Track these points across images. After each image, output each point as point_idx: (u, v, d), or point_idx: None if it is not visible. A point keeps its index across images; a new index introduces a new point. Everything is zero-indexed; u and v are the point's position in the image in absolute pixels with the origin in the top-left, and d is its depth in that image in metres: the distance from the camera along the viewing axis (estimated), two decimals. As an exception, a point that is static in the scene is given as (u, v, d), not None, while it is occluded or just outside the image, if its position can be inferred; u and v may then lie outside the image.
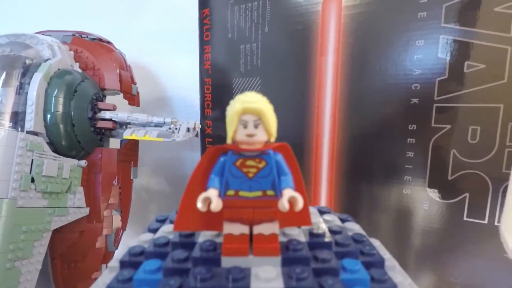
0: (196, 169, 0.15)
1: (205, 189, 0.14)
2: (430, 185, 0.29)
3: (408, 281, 0.13)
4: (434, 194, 0.29)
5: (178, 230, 0.15)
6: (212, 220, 0.14)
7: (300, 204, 0.13)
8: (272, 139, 0.14)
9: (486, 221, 0.27)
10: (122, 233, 0.42)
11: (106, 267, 0.40)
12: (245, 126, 0.13)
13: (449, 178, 0.28)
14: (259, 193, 0.14)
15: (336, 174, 0.34)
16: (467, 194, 0.27)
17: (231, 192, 0.14)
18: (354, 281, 0.12)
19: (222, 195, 0.14)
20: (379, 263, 0.13)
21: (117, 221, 0.41)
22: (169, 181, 0.58)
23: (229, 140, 0.14)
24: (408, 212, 0.30)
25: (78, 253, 0.37)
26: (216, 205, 0.13)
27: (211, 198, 0.13)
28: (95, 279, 0.41)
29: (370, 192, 0.32)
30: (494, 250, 0.26)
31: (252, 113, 0.13)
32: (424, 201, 0.29)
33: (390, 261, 0.14)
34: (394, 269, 0.13)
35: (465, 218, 0.28)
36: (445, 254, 0.29)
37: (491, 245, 0.27)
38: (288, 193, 0.13)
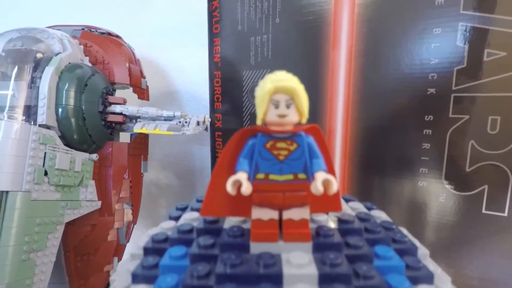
0: (224, 153, 0.14)
1: (233, 173, 0.13)
2: (447, 177, 0.28)
3: (439, 270, 0.12)
4: (451, 186, 0.28)
5: (205, 215, 0.14)
6: (240, 205, 0.14)
7: (334, 187, 0.13)
8: (304, 120, 0.13)
9: (506, 214, 0.26)
10: (133, 226, 0.43)
11: (118, 260, 0.41)
12: (277, 106, 0.13)
13: (467, 170, 0.27)
14: (290, 177, 0.13)
15: (349, 167, 0.33)
16: (485, 186, 0.27)
17: (261, 176, 0.13)
18: (388, 268, 0.12)
19: (251, 178, 0.13)
20: (412, 250, 0.13)
21: (128, 214, 0.41)
22: (179, 175, 0.58)
23: (258, 122, 0.13)
24: (424, 205, 0.30)
25: (90, 246, 0.37)
26: (247, 188, 0.13)
27: (241, 181, 0.13)
28: (108, 272, 0.42)
29: (384, 185, 0.32)
30: (514, 243, 0.26)
31: (284, 92, 0.13)
32: (440, 193, 0.29)
33: (422, 250, 0.13)
34: (426, 257, 0.13)
35: (483, 211, 0.27)
36: (462, 248, 0.28)
37: (511, 238, 0.26)
38: (322, 175, 0.13)
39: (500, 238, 0.26)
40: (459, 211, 0.28)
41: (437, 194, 0.29)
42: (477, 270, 0.28)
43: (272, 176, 0.13)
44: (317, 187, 0.13)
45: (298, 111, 0.13)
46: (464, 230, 0.28)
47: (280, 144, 0.13)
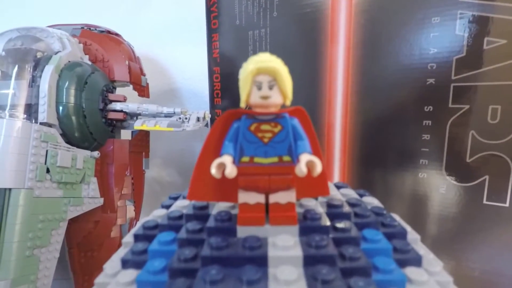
0: (209, 137, 0.14)
1: (219, 156, 0.13)
2: (447, 169, 0.28)
3: (432, 255, 0.12)
4: (451, 177, 0.28)
5: (192, 199, 0.15)
6: (227, 190, 0.14)
7: (318, 168, 0.13)
8: (288, 102, 0.13)
9: (507, 204, 0.26)
10: (136, 223, 0.43)
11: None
12: (259, 88, 0.13)
13: (468, 160, 0.27)
14: (275, 159, 0.13)
15: (349, 160, 0.33)
16: (486, 177, 0.26)
17: (246, 159, 0.13)
18: (375, 251, 0.12)
19: (236, 161, 0.13)
20: (401, 234, 0.13)
21: (130, 211, 0.41)
22: (180, 172, 0.59)
23: (242, 104, 0.13)
24: (424, 197, 0.30)
25: (94, 242, 0.38)
26: (231, 171, 0.13)
27: (226, 164, 0.13)
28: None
29: (384, 177, 0.31)
30: (516, 234, 0.25)
31: (267, 73, 0.13)
32: (440, 185, 0.29)
33: (413, 234, 0.13)
34: (416, 242, 0.13)
35: (484, 202, 0.27)
36: (464, 239, 0.28)
37: (512, 229, 0.26)
38: (306, 157, 0.13)
39: (502, 229, 0.26)
40: (460, 202, 0.28)
41: (438, 185, 0.29)
42: (479, 261, 0.28)
43: (257, 159, 0.13)
44: (301, 168, 0.13)
45: (282, 93, 0.13)
46: (465, 221, 0.28)
47: (264, 127, 0.13)
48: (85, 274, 0.38)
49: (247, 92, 0.13)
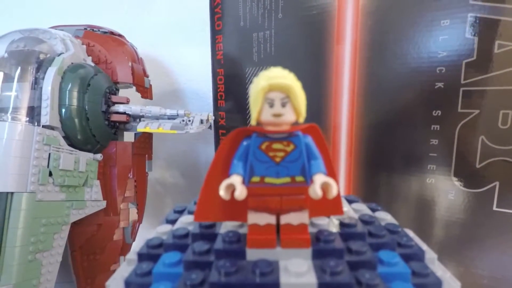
0: (217, 155, 0.14)
1: (227, 176, 0.13)
2: (456, 174, 0.28)
3: (448, 274, 0.12)
4: (460, 183, 0.27)
5: (199, 220, 0.14)
6: (235, 209, 0.13)
7: (334, 190, 0.12)
8: (301, 120, 0.13)
9: (518, 211, 0.25)
10: (139, 225, 0.43)
11: (124, 259, 0.41)
12: (271, 105, 0.12)
13: (477, 166, 0.27)
14: (287, 179, 0.13)
15: (355, 164, 0.33)
16: (497, 183, 0.26)
17: (256, 179, 0.13)
18: (393, 275, 0.11)
19: (246, 182, 0.13)
20: (419, 255, 0.12)
21: (133, 213, 0.41)
22: (184, 174, 0.58)
23: (253, 122, 0.13)
24: (432, 202, 0.29)
25: (96, 245, 0.38)
26: (240, 192, 0.12)
27: (235, 185, 0.12)
28: (114, 271, 0.42)
29: (391, 182, 0.31)
30: (527, 242, 0.25)
31: (279, 90, 0.12)
32: (449, 190, 0.28)
33: (429, 254, 0.12)
34: (433, 262, 0.12)
35: (494, 208, 0.26)
36: (472, 246, 0.28)
37: (523, 236, 0.25)
38: (321, 178, 0.12)
39: (512, 236, 0.26)
40: (469, 208, 0.27)
41: (446, 191, 0.28)
42: (488, 269, 0.27)
43: (268, 179, 0.13)
44: (315, 191, 0.12)
45: (295, 110, 0.12)
46: (474, 228, 0.27)
47: (276, 145, 0.13)
48: (88, 277, 0.38)
49: (258, 109, 0.12)
